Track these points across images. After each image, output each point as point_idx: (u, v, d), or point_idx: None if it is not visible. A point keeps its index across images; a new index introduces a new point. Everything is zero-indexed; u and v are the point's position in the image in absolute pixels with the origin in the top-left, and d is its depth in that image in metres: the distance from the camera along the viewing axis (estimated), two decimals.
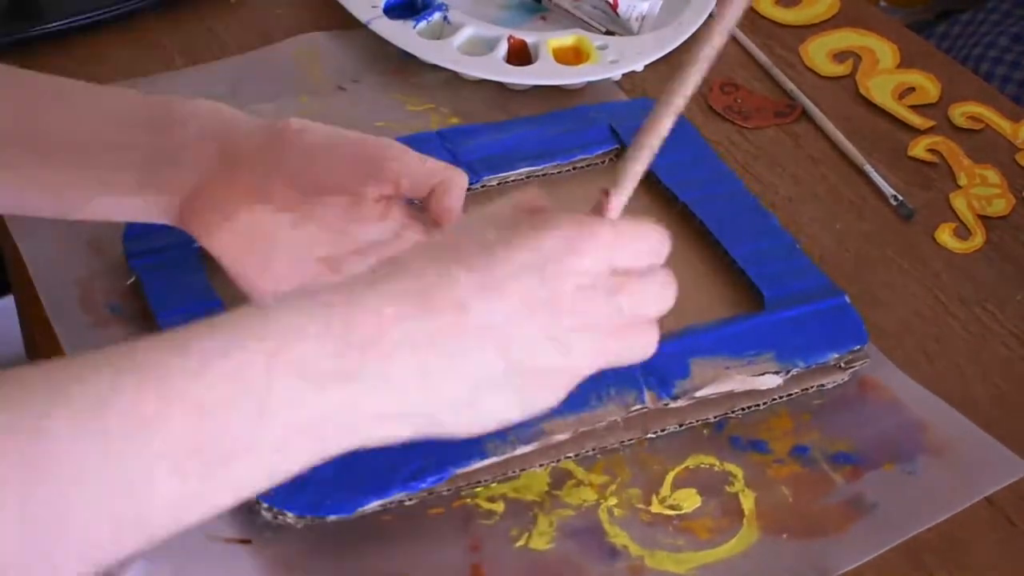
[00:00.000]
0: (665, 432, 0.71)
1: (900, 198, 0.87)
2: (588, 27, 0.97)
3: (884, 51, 1.00)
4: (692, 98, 0.93)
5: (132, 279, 0.75)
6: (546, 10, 1.00)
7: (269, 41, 0.95)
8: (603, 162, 0.87)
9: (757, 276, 0.77)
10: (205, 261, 0.76)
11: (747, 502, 0.68)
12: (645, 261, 0.56)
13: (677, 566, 0.65)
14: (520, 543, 0.66)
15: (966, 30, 1.37)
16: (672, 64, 0.96)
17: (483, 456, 0.66)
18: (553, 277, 0.53)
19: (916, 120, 0.94)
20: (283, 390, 0.48)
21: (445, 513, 0.66)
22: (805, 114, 0.94)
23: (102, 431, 0.45)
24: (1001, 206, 0.88)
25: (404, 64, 0.93)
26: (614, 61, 0.93)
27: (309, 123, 0.67)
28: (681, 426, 0.71)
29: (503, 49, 0.93)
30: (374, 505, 0.65)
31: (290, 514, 0.63)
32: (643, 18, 0.96)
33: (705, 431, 0.72)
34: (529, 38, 0.93)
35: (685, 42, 0.96)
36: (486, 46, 0.93)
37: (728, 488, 0.69)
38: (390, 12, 0.94)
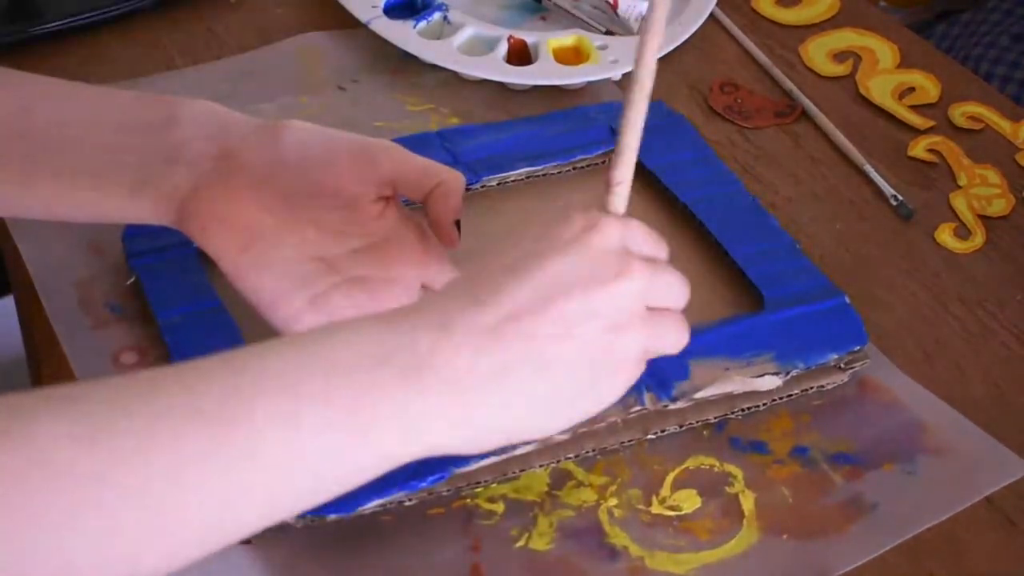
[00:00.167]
0: (665, 433, 0.71)
1: (900, 198, 0.87)
2: (588, 27, 0.97)
3: (884, 51, 1.00)
4: (692, 98, 0.94)
5: (132, 279, 0.75)
6: (546, 10, 1.00)
7: (269, 41, 0.95)
8: (603, 162, 0.87)
9: (757, 276, 0.77)
10: (205, 261, 0.76)
11: (747, 503, 0.68)
12: (655, 252, 0.58)
13: (677, 566, 0.65)
14: (520, 543, 0.66)
15: (966, 30, 1.37)
16: (672, 64, 0.96)
17: (483, 456, 0.66)
18: (591, 256, 0.54)
19: (916, 120, 0.94)
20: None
21: (445, 513, 0.66)
22: (805, 114, 0.94)
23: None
24: (1001, 206, 0.88)
25: (404, 64, 0.93)
26: (614, 61, 0.93)
27: (306, 125, 0.67)
28: (681, 427, 0.71)
29: (503, 49, 0.93)
30: (374, 504, 0.65)
31: None
32: (643, 18, 0.96)
33: (705, 432, 0.72)
34: (529, 38, 0.93)
35: (685, 42, 0.96)
36: (486, 46, 0.93)
37: (728, 489, 0.69)
38: (390, 12, 0.94)
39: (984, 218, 0.87)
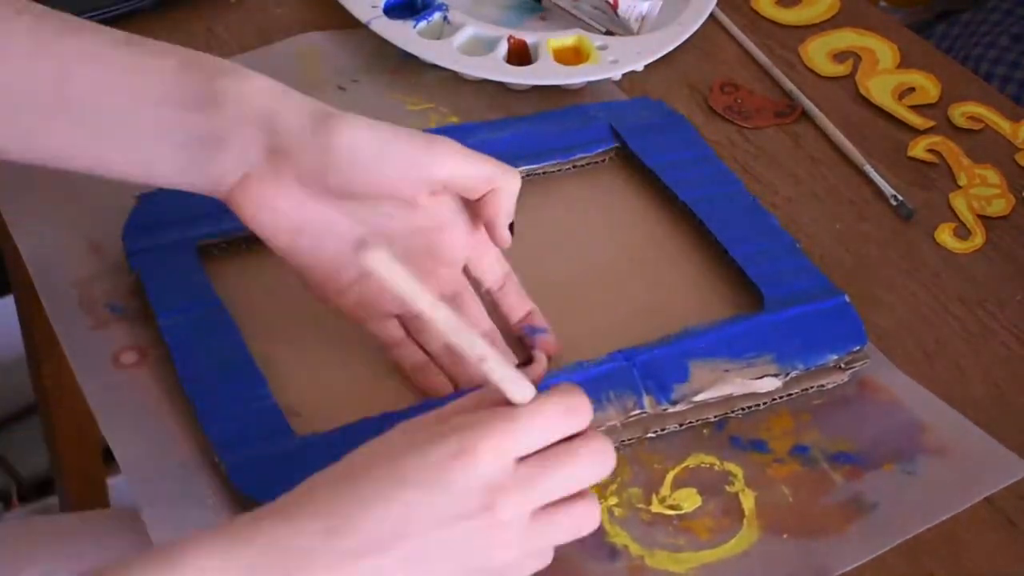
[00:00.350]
0: (665, 432, 0.71)
1: (900, 198, 0.87)
2: (588, 27, 0.97)
3: (884, 51, 1.00)
4: (692, 98, 0.94)
5: (132, 278, 0.75)
6: (546, 10, 1.00)
7: (269, 41, 0.95)
8: (603, 160, 0.87)
9: (757, 276, 0.77)
10: (205, 261, 0.76)
11: (747, 502, 0.68)
12: (557, 435, 0.55)
13: (677, 565, 0.65)
14: None
15: (966, 30, 1.37)
16: (672, 64, 0.96)
17: None
18: (452, 492, 0.52)
19: (916, 120, 0.94)
20: None
21: None
22: (805, 114, 0.94)
23: None
24: (1001, 206, 0.88)
25: (404, 64, 0.93)
26: (614, 61, 0.93)
27: (359, 122, 0.65)
28: (681, 426, 0.71)
29: (503, 49, 0.93)
30: None
31: None
32: (643, 18, 0.96)
33: (705, 431, 0.72)
34: (529, 38, 0.93)
35: (685, 42, 0.96)
36: (486, 46, 0.93)
37: (728, 488, 0.69)
38: (390, 12, 0.94)
39: (984, 218, 0.87)
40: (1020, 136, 0.93)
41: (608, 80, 0.94)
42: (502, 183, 0.67)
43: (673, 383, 0.70)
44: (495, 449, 0.53)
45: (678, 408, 0.70)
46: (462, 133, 0.85)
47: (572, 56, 0.93)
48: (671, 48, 0.95)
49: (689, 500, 0.68)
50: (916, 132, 0.93)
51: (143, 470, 0.67)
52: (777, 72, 0.97)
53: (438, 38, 0.94)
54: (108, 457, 1.28)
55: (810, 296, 0.76)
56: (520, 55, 0.93)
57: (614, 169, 0.87)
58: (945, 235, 0.85)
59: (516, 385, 0.55)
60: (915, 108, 0.95)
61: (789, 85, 0.96)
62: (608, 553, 0.66)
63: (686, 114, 0.91)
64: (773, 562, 0.66)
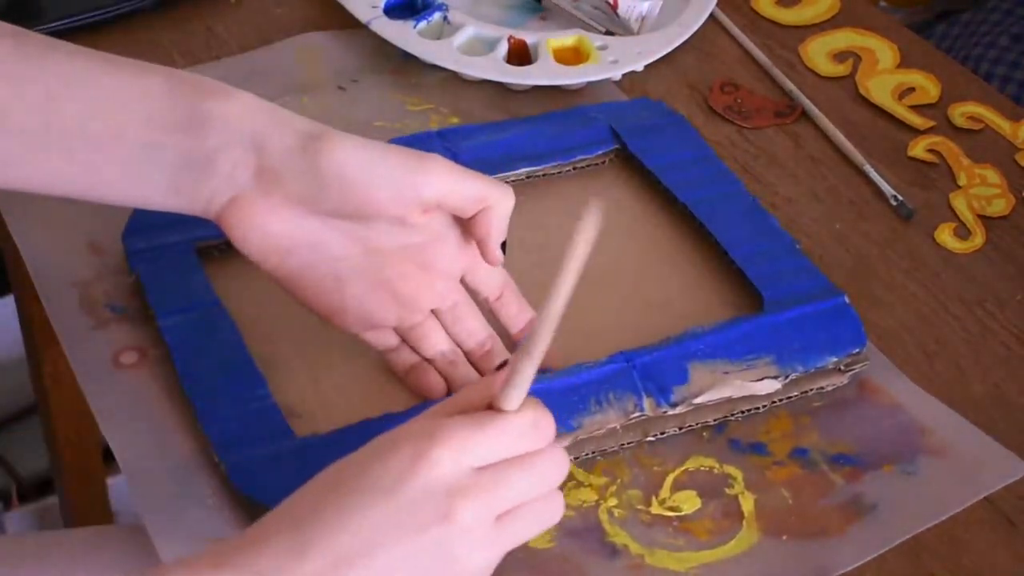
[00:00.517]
0: (664, 435, 0.71)
1: (900, 198, 0.87)
2: (588, 27, 0.97)
3: (884, 51, 1.00)
4: (692, 98, 0.94)
5: (132, 279, 0.75)
6: (546, 10, 1.00)
7: (269, 41, 0.95)
8: (603, 162, 0.87)
9: (756, 277, 0.77)
10: (205, 261, 0.76)
11: (747, 504, 0.68)
12: (519, 448, 0.55)
13: (677, 564, 0.65)
14: None
15: (966, 30, 1.37)
16: (672, 64, 0.96)
17: None
18: (410, 498, 0.53)
19: (916, 120, 0.94)
20: None
21: None
22: (805, 114, 0.94)
23: None
24: (1001, 206, 0.88)
25: (404, 64, 0.93)
26: (614, 61, 0.93)
27: (348, 143, 0.65)
28: (680, 429, 0.71)
29: (503, 49, 0.93)
30: None
31: None
32: (643, 18, 0.96)
33: (704, 433, 0.72)
34: (529, 38, 0.93)
35: (685, 42, 0.96)
36: (486, 46, 0.93)
37: (728, 490, 0.69)
38: (390, 12, 0.94)
39: (984, 218, 0.87)
40: (1020, 136, 0.93)
41: (608, 80, 0.94)
42: (494, 202, 0.67)
43: (673, 385, 0.70)
44: (453, 455, 0.53)
45: (678, 410, 0.70)
46: (463, 135, 0.85)
47: (572, 56, 0.93)
48: (671, 48, 0.95)
49: (689, 502, 0.68)
50: (916, 132, 0.93)
51: (143, 470, 0.67)
52: (777, 72, 0.97)
53: (438, 38, 0.94)
54: (108, 457, 1.28)
55: (810, 297, 0.76)
56: (520, 55, 0.93)
57: (614, 171, 0.87)
58: (945, 235, 0.85)
59: (518, 392, 0.55)
60: (915, 108, 0.95)
61: (789, 85, 0.96)
62: (608, 552, 0.66)
63: (686, 114, 0.91)
64: (773, 563, 0.66)
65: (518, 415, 0.55)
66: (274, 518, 0.54)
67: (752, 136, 0.92)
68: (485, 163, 0.83)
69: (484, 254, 0.68)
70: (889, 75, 0.97)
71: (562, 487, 0.67)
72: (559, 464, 0.56)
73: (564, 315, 0.75)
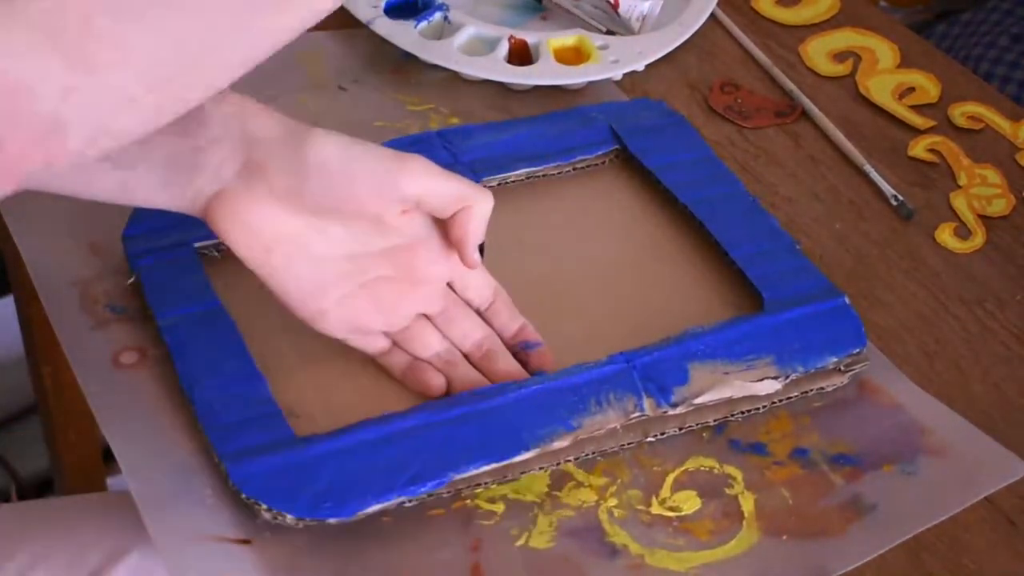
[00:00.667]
0: (664, 435, 0.71)
1: (900, 198, 0.87)
2: (589, 27, 0.97)
3: (884, 51, 1.00)
4: (692, 98, 0.94)
5: (132, 279, 0.75)
6: (547, 10, 1.00)
7: None
8: (603, 162, 0.87)
9: (756, 277, 0.77)
10: (205, 261, 0.76)
11: (747, 504, 0.68)
12: None
13: (677, 564, 0.65)
14: (520, 542, 0.66)
15: (966, 30, 1.37)
16: (672, 64, 0.96)
17: (482, 463, 0.66)
18: None
19: (916, 120, 0.94)
20: None
21: (445, 514, 0.66)
22: (805, 114, 0.94)
23: None
24: (1001, 206, 0.88)
25: (404, 64, 0.93)
26: (615, 61, 0.93)
27: (331, 139, 0.66)
28: (680, 429, 0.71)
29: (504, 49, 0.93)
30: (374, 508, 0.65)
31: (289, 516, 0.63)
32: (644, 18, 0.96)
33: (704, 434, 0.72)
34: (530, 38, 0.93)
35: (686, 42, 0.96)
36: (487, 46, 0.93)
37: (728, 490, 0.69)
38: (391, 12, 0.94)
39: (984, 218, 0.87)
40: (1020, 136, 0.93)
41: (609, 80, 0.94)
42: (472, 203, 0.67)
43: (673, 385, 0.70)
44: None
45: (678, 411, 0.70)
46: (463, 135, 0.85)
47: (573, 56, 0.93)
48: (672, 48, 0.95)
49: (689, 502, 0.68)
50: (916, 132, 0.93)
51: (143, 470, 0.67)
52: (777, 72, 0.97)
53: (439, 38, 0.94)
54: (108, 457, 1.28)
55: (810, 297, 0.76)
56: (521, 55, 0.93)
57: (614, 171, 0.87)
58: (945, 235, 0.85)
59: None
60: (915, 108, 0.95)
61: (789, 85, 0.96)
62: (608, 552, 0.66)
63: (686, 114, 0.91)
64: (773, 563, 0.66)
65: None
66: None
67: (752, 136, 0.92)
68: (485, 163, 0.83)
69: (461, 256, 0.68)
70: (889, 75, 0.97)
71: (561, 487, 0.68)
72: None
73: (564, 315, 0.76)
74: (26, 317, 1.18)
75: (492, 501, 0.67)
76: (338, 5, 0.57)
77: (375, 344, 0.71)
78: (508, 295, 0.74)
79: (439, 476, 0.65)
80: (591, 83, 0.93)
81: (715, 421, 0.72)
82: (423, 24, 0.94)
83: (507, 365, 0.72)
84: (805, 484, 0.69)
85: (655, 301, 0.78)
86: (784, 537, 0.67)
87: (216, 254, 0.77)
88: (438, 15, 0.95)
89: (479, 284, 0.73)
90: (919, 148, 0.92)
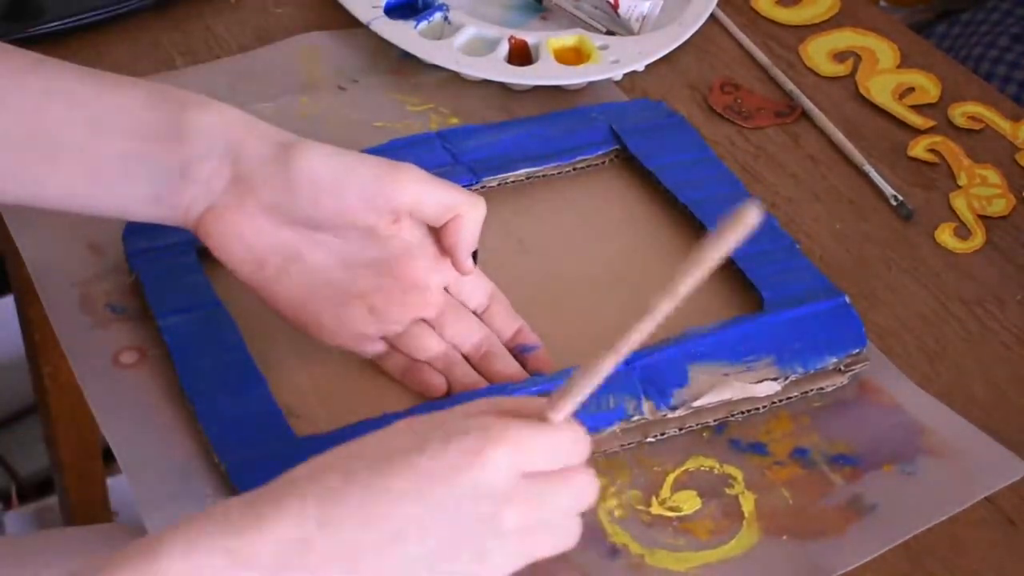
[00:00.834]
0: (665, 436, 0.71)
1: (900, 198, 0.87)
2: (589, 27, 0.97)
3: (884, 51, 1.00)
4: (692, 98, 0.94)
5: (132, 279, 0.75)
6: (547, 10, 1.00)
7: (269, 41, 0.95)
8: (603, 163, 0.87)
9: (756, 277, 0.77)
10: (205, 261, 0.76)
11: (747, 504, 0.68)
12: (560, 463, 0.55)
13: (677, 564, 0.65)
14: None
15: (966, 30, 1.37)
16: (672, 64, 0.96)
17: None
18: (464, 491, 0.52)
19: (916, 120, 0.94)
20: None
21: None
22: (805, 114, 0.94)
23: None
24: (1001, 206, 0.88)
25: (404, 64, 0.93)
26: (615, 61, 0.93)
27: (320, 152, 0.66)
28: (681, 430, 0.71)
29: (504, 49, 0.93)
30: None
31: None
32: (644, 18, 0.96)
33: (705, 434, 0.72)
34: (530, 38, 0.93)
35: (686, 42, 0.96)
36: (487, 46, 0.93)
37: (728, 490, 0.69)
38: (390, 12, 0.94)
39: (984, 218, 0.87)
40: (1020, 136, 0.93)
41: (609, 80, 0.94)
42: (464, 211, 0.67)
43: (672, 388, 0.70)
44: (508, 458, 0.53)
45: (677, 413, 0.70)
46: (463, 135, 0.85)
47: (573, 56, 0.93)
48: (672, 48, 0.95)
49: (689, 502, 0.68)
50: (916, 132, 0.93)
51: (143, 470, 0.67)
52: (777, 72, 0.97)
53: (439, 38, 0.94)
54: (108, 457, 1.28)
55: (810, 297, 0.76)
56: (521, 55, 0.93)
57: (614, 171, 0.87)
58: (945, 235, 0.85)
59: (570, 407, 0.54)
60: (915, 108, 0.95)
61: (789, 85, 0.96)
62: (608, 552, 0.66)
63: (686, 114, 0.91)
64: (773, 563, 0.66)
65: (567, 427, 0.55)
66: (289, 490, 0.52)
67: (752, 136, 0.92)
68: (485, 164, 0.83)
69: (454, 263, 0.68)
70: (889, 75, 0.97)
71: None
72: (592, 485, 0.56)
73: (563, 316, 0.76)
74: (26, 317, 1.18)
75: None
76: None
77: (372, 349, 0.71)
78: (506, 297, 0.74)
79: None
80: (591, 83, 0.93)
81: (715, 421, 0.72)
82: (423, 24, 0.94)
83: (506, 366, 0.72)
84: (805, 484, 0.69)
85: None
86: (784, 537, 0.67)
87: None
88: (438, 15, 0.95)
89: (474, 289, 0.73)
90: (919, 148, 0.92)
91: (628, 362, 0.70)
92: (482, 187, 0.83)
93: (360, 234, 0.67)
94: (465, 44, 0.93)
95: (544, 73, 0.91)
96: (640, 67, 0.94)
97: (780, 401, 0.73)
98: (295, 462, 0.65)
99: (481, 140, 0.85)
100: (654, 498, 0.68)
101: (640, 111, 0.90)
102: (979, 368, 0.77)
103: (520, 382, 0.70)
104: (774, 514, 0.68)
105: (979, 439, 0.72)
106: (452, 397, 0.70)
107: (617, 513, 0.67)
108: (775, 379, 0.72)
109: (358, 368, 0.72)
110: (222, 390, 0.69)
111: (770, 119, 0.93)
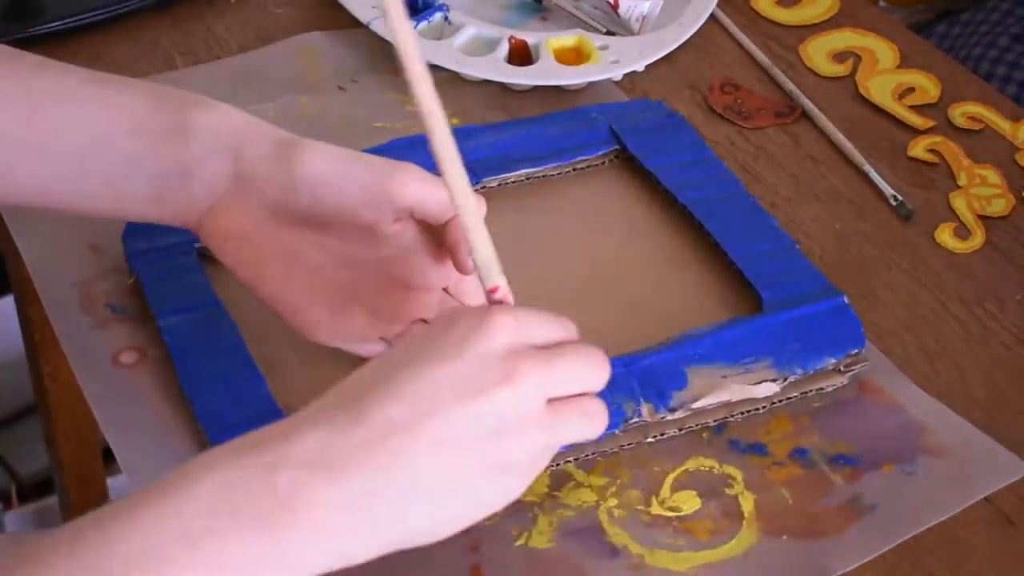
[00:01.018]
0: (664, 436, 0.71)
1: (900, 198, 0.87)
2: (589, 27, 0.97)
3: (884, 51, 1.00)
4: (692, 98, 0.94)
5: (132, 279, 0.75)
6: (547, 10, 1.00)
7: (269, 41, 0.95)
8: (603, 163, 0.87)
9: (755, 278, 0.77)
10: (205, 261, 0.76)
11: (747, 504, 0.68)
12: (558, 335, 0.56)
13: (677, 564, 0.65)
14: (520, 542, 0.66)
15: (966, 30, 1.37)
16: (672, 64, 0.96)
17: None
18: (475, 357, 0.53)
19: (916, 120, 0.94)
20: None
21: None
22: (805, 114, 0.94)
23: None
24: (1001, 206, 0.88)
25: None
26: (615, 61, 0.93)
27: (321, 150, 0.66)
28: (680, 431, 0.71)
29: (504, 49, 0.93)
30: None
31: None
32: (644, 18, 0.96)
33: (704, 434, 0.72)
34: (530, 38, 0.93)
35: (686, 42, 0.96)
36: (487, 46, 0.93)
37: (728, 490, 0.69)
38: None
39: (984, 218, 0.87)
40: (1020, 136, 0.93)
41: (609, 80, 0.94)
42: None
43: (672, 390, 0.70)
44: (512, 327, 0.54)
45: (676, 416, 0.70)
46: (463, 136, 0.85)
47: (573, 56, 0.93)
48: (672, 48, 0.95)
49: (689, 502, 0.68)
50: (916, 132, 0.93)
51: (143, 470, 0.67)
52: (777, 72, 0.97)
53: (439, 38, 0.94)
54: (108, 457, 1.28)
55: (809, 298, 0.76)
56: (521, 55, 0.93)
57: (614, 172, 0.87)
58: (945, 235, 0.85)
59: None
60: (915, 108, 0.95)
61: (789, 85, 0.96)
62: (608, 552, 0.66)
63: (686, 114, 0.91)
64: (773, 563, 0.66)
65: (551, 315, 0.57)
66: (320, 403, 0.54)
67: (752, 136, 0.92)
68: (485, 164, 0.83)
69: (455, 263, 0.68)
70: (889, 75, 0.97)
71: (561, 487, 0.68)
72: (604, 360, 0.57)
73: (563, 316, 0.75)
74: (26, 317, 1.18)
75: None
76: None
77: (371, 350, 0.71)
78: None
79: None
80: (591, 83, 0.93)
81: (715, 422, 0.72)
82: (423, 24, 0.94)
83: None
84: (805, 484, 0.69)
85: (655, 301, 0.78)
86: (784, 537, 0.67)
87: None
88: (438, 15, 0.95)
89: (476, 287, 0.72)
90: (919, 148, 0.92)
91: (627, 365, 0.70)
92: (482, 187, 0.83)
93: (361, 234, 0.67)
94: (465, 44, 0.93)
95: (544, 73, 0.91)
96: (640, 67, 0.94)
97: (780, 401, 0.73)
98: None
99: (481, 140, 0.85)
100: (654, 498, 0.68)
101: (640, 111, 0.90)
102: (979, 368, 0.77)
103: None
104: (774, 514, 0.68)
105: (979, 439, 0.72)
106: None
107: (617, 513, 0.67)
108: (774, 380, 0.72)
109: (358, 368, 0.72)
110: (222, 390, 0.69)
111: (770, 119, 0.93)
